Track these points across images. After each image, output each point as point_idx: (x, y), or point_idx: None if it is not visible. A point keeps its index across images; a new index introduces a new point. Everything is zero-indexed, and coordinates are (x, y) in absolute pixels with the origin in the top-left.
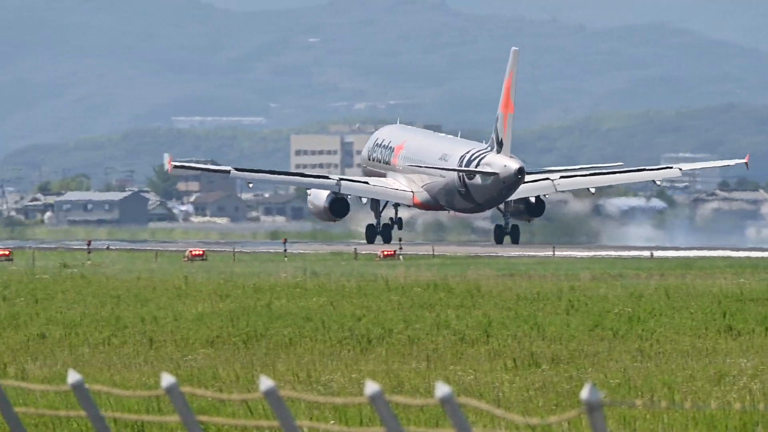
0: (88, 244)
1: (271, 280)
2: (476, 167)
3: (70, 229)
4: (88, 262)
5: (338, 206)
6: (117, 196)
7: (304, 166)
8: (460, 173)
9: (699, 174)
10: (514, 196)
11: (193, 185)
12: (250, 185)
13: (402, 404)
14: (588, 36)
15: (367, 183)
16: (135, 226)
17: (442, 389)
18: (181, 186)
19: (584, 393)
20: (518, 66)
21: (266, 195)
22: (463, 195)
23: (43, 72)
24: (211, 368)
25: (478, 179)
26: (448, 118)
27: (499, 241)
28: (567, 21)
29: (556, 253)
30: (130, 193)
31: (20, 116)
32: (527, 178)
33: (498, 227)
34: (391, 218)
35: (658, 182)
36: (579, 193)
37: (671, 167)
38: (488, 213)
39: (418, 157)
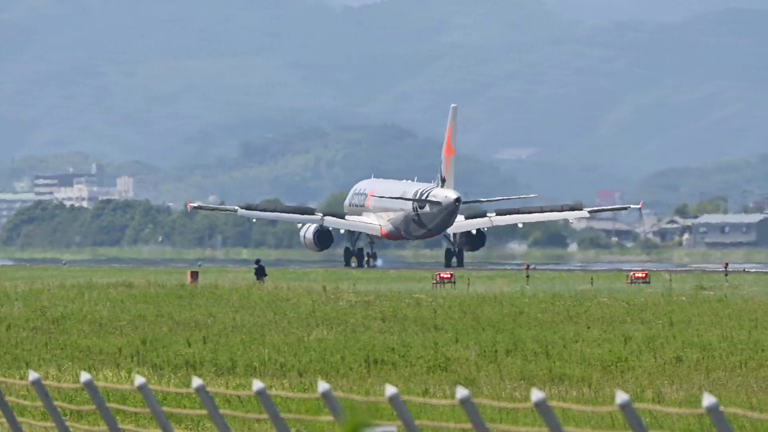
0: (725, 267)
1: None
2: (426, 199)
3: (707, 251)
4: (726, 284)
5: (323, 238)
6: (754, 218)
7: None
8: (414, 205)
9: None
10: (459, 230)
11: None
12: (254, 220)
13: None
14: None
15: (345, 219)
16: None
17: None
18: None
19: None
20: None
21: None
22: (417, 222)
23: (681, 94)
24: None
25: (427, 208)
26: None
27: (448, 263)
28: None
29: None
30: (767, 215)
31: (659, 139)
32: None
33: (447, 251)
34: (367, 252)
35: (571, 221)
36: None
37: (581, 210)
38: None
39: (384, 195)
